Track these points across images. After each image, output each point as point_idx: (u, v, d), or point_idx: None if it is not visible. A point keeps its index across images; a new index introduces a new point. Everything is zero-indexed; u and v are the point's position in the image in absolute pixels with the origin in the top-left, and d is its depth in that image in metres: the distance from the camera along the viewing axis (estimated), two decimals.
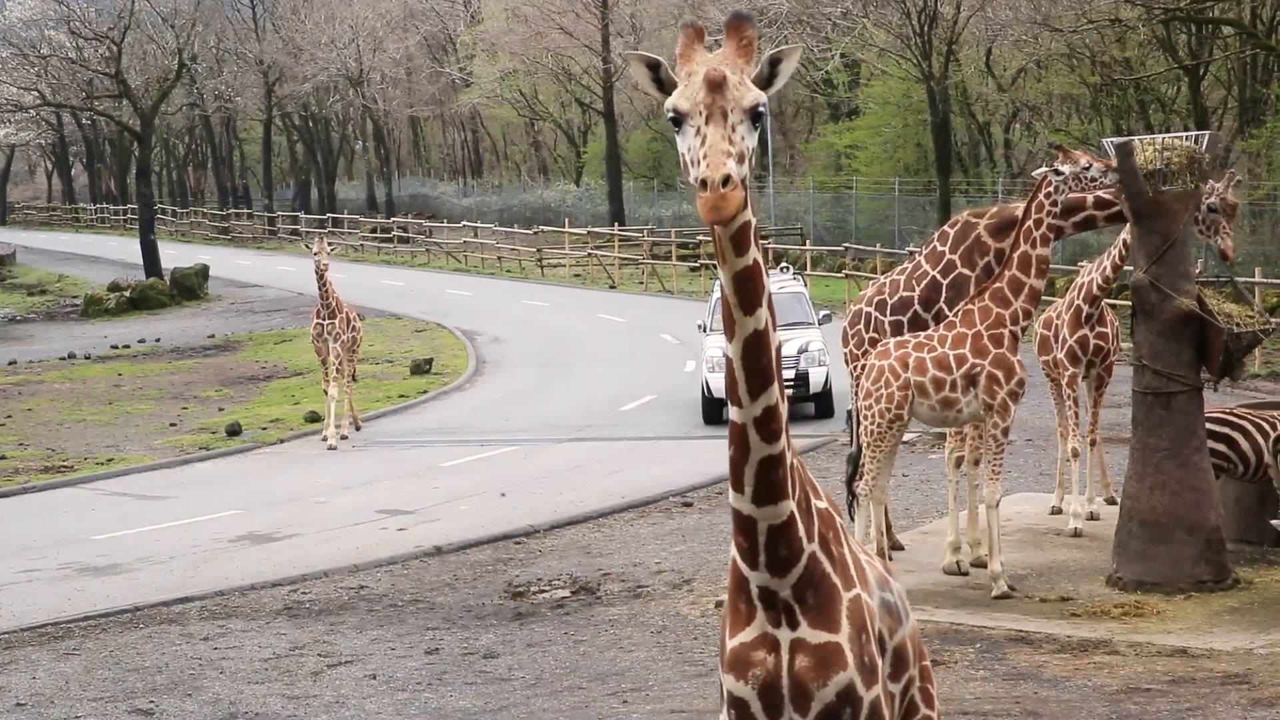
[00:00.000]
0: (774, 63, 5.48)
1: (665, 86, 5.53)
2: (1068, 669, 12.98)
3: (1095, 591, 15.16)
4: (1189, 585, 14.88)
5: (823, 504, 5.93)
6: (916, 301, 16.79)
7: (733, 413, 5.67)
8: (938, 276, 16.66)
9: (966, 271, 16.53)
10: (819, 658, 5.75)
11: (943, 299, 16.59)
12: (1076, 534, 17.34)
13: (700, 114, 5.32)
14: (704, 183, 5.20)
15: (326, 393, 27.07)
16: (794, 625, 5.78)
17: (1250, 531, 16.24)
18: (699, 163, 5.26)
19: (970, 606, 14.90)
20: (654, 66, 5.53)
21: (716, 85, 5.32)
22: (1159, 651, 13.29)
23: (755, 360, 5.61)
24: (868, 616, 5.88)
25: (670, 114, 5.40)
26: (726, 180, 5.18)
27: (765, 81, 5.47)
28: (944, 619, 14.48)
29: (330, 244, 28.81)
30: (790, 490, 5.71)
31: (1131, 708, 11.92)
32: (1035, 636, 13.89)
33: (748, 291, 5.58)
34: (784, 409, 5.71)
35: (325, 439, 26.93)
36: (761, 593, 5.78)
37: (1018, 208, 16.21)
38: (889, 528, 16.41)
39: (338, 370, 26.85)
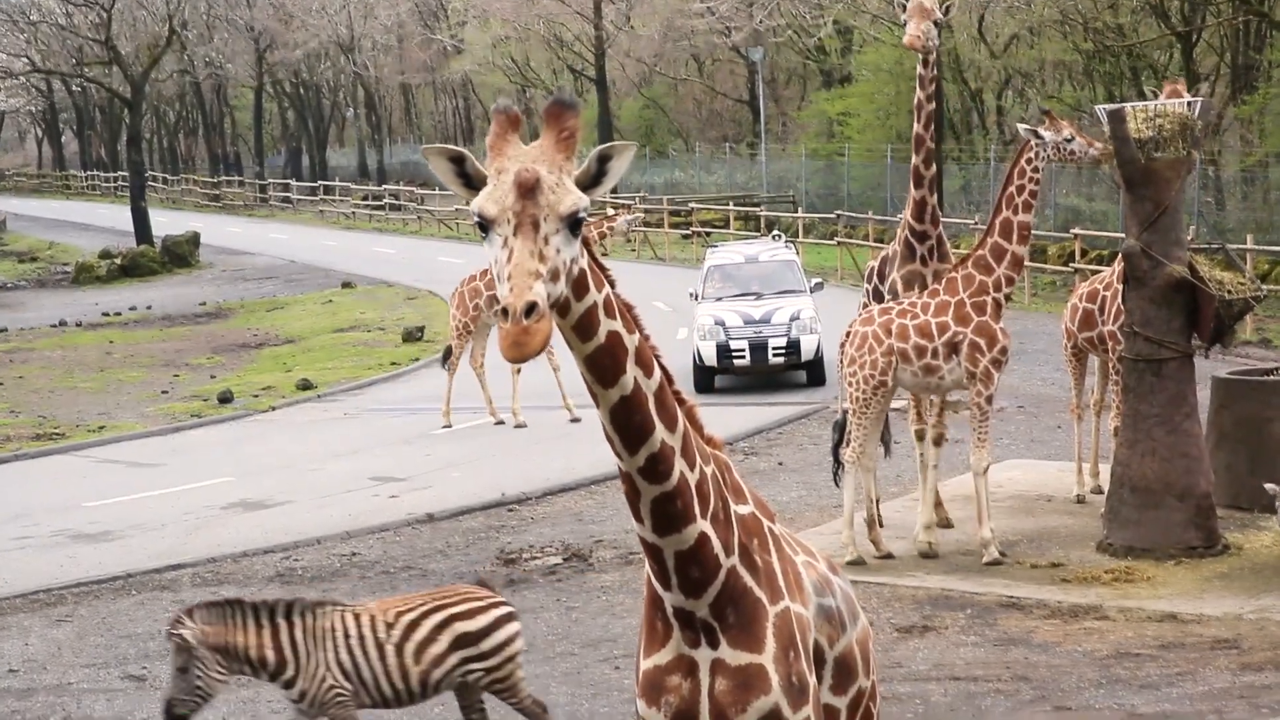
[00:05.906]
0: (603, 160, 4.82)
1: (473, 181, 4.79)
2: (1058, 634, 13.03)
3: (1086, 557, 15.21)
4: (1179, 551, 14.93)
5: (747, 509, 5.40)
6: (891, 271, 17.11)
7: (616, 459, 5.13)
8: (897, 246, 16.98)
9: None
10: (739, 681, 5.27)
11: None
12: (1080, 500, 17.36)
13: (509, 223, 4.60)
14: (504, 311, 4.48)
15: (480, 373, 24.80)
16: (714, 644, 5.30)
17: (1240, 497, 16.27)
18: (504, 281, 4.55)
19: (961, 572, 14.95)
20: (458, 160, 4.83)
21: (528, 190, 4.63)
22: (1149, 617, 13.34)
23: (627, 422, 5.01)
24: (798, 630, 5.39)
25: (476, 218, 4.65)
26: (531, 309, 4.47)
27: (592, 179, 4.79)
28: (934, 585, 14.53)
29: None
30: (697, 513, 5.16)
31: (1121, 672, 11.97)
32: (1026, 602, 13.93)
33: (603, 368, 4.92)
34: (675, 441, 5.08)
35: (517, 421, 24.57)
36: (677, 612, 5.29)
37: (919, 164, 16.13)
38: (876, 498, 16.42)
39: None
